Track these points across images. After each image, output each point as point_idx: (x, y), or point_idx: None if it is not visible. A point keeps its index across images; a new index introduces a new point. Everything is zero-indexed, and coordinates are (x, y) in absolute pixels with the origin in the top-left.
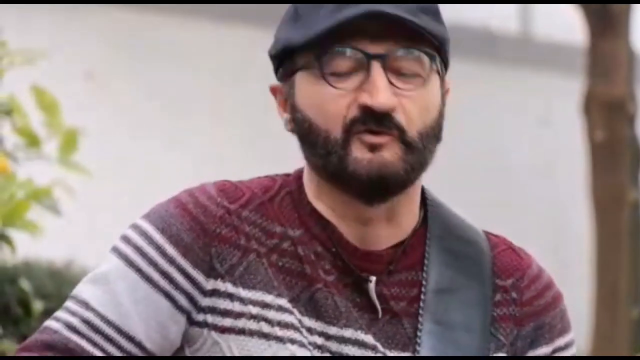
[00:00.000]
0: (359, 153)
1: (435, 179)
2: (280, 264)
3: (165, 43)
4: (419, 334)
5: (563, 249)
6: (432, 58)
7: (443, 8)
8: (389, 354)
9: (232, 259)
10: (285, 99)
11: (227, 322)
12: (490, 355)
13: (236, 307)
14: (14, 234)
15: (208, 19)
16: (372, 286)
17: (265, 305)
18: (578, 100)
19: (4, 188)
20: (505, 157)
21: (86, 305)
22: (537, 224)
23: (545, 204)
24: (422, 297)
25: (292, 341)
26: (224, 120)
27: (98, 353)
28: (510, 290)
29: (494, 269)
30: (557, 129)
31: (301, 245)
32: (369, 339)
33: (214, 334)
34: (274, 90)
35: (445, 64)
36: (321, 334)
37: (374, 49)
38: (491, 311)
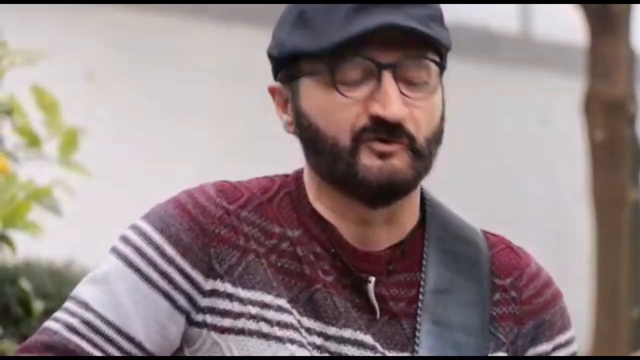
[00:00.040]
0: (368, 160)
1: (435, 179)
2: (279, 264)
3: (165, 43)
4: (417, 334)
5: (563, 249)
6: (441, 67)
7: (443, 8)
8: (388, 354)
9: (231, 259)
10: (285, 100)
11: (227, 322)
12: (490, 354)
13: (235, 307)
14: (15, 234)
15: (208, 19)
16: (371, 287)
17: (264, 306)
18: (578, 100)
19: (5, 189)
20: (505, 157)
21: (86, 305)
22: (537, 224)
23: (545, 204)
24: (420, 297)
25: (292, 341)
26: (224, 120)
27: (98, 354)
28: (509, 289)
29: (492, 269)
30: (557, 128)
31: (300, 246)
32: (368, 339)
33: (213, 334)
34: (272, 91)
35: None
36: (320, 334)
37: (385, 57)
38: (490, 310)
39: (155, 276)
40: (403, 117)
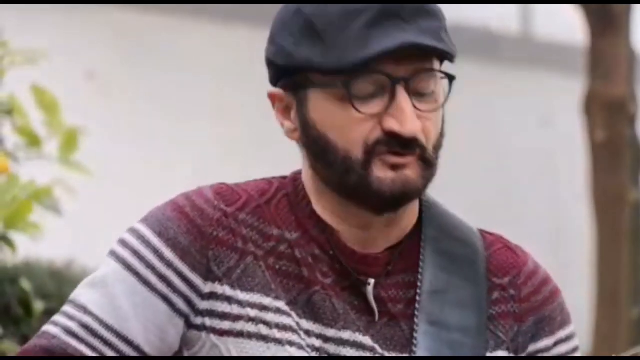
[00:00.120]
0: (381, 173)
1: (435, 179)
2: (277, 266)
3: (165, 43)
4: (415, 334)
5: (563, 249)
6: (451, 79)
7: (443, 8)
8: (387, 355)
9: (230, 261)
10: (286, 107)
11: (226, 324)
12: (490, 352)
13: (234, 309)
14: (16, 235)
15: (208, 19)
16: (370, 289)
17: (263, 308)
18: (578, 100)
19: (6, 190)
20: (506, 157)
21: (84, 309)
22: (537, 224)
23: (545, 204)
24: (417, 298)
25: (291, 343)
26: (224, 120)
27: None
28: (507, 288)
29: (490, 268)
30: (558, 129)
31: (298, 248)
32: (367, 340)
33: (212, 337)
34: (272, 97)
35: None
36: (319, 336)
37: (398, 71)
38: (490, 309)
39: (153, 279)
40: (418, 132)
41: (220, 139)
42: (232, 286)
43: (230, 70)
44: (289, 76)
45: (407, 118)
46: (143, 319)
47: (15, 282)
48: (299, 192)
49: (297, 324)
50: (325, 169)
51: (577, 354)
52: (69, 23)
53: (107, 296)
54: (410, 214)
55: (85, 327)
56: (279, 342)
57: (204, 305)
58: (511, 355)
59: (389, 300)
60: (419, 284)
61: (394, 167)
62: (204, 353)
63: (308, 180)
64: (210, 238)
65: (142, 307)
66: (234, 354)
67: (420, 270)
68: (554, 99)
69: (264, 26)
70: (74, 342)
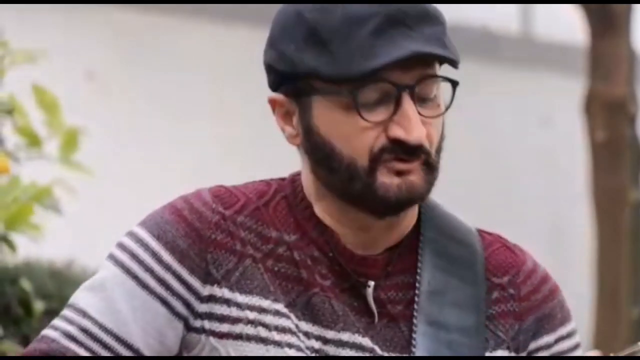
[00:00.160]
0: (386, 179)
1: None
2: (276, 269)
3: (165, 43)
4: (413, 335)
5: (563, 249)
6: (453, 84)
7: (443, 8)
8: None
9: (228, 264)
10: (287, 112)
11: (225, 327)
12: (490, 352)
13: (233, 312)
14: (16, 236)
15: (208, 19)
16: (370, 291)
17: (262, 310)
18: (579, 100)
19: (7, 192)
20: (506, 157)
21: (84, 313)
22: (537, 224)
23: (545, 204)
24: (415, 299)
25: (290, 345)
26: (224, 120)
27: None
28: (507, 288)
29: (488, 268)
30: (558, 129)
31: (297, 250)
32: (366, 342)
33: (212, 340)
34: (273, 103)
35: None
36: (318, 338)
37: (404, 78)
38: (489, 309)
39: (152, 283)
40: (424, 138)
41: (220, 139)
42: (231, 289)
43: (230, 70)
44: (291, 82)
45: (413, 126)
46: (142, 322)
47: (16, 282)
48: (297, 194)
49: (296, 326)
50: (328, 174)
51: (579, 350)
52: (69, 23)
53: (106, 300)
54: (410, 216)
55: (85, 330)
56: (278, 344)
57: (203, 308)
58: (512, 354)
59: (388, 302)
60: (417, 284)
61: (399, 173)
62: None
63: (308, 183)
64: (208, 241)
65: (141, 311)
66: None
67: (418, 270)
68: (554, 99)
69: (264, 26)
70: (73, 346)
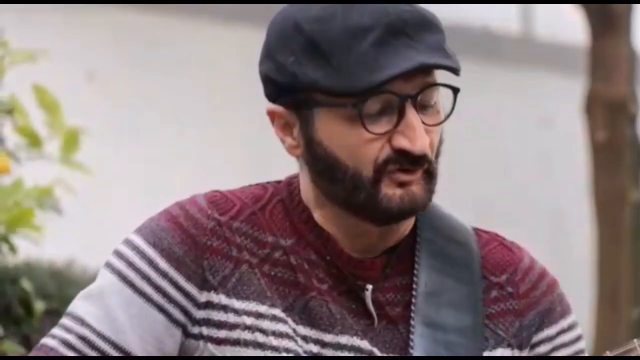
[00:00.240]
0: (389, 190)
1: None
2: (272, 273)
3: (165, 43)
4: (411, 336)
5: (563, 249)
6: (455, 91)
7: (443, 8)
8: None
9: (225, 270)
10: (286, 123)
11: (222, 333)
12: (490, 350)
13: (230, 318)
14: (17, 238)
15: (208, 19)
16: (368, 294)
17: (259, 316)
18: (579, 100)
19: (9, 194)
20: (506, 157)
21: (82, 321)
22: (537, 224)
23: (546, 204)
24: (413, 301)
25: (288, 350)
26: (224, 120)
27: None
28: (505, 286)
29: (486, 267)
30: (558, 129)
31: (294, 254)
32: (365, 344)
33: (210, 346)
34: (272, 114)
35: None
36: (316, 341)
37: (406, 88)
38: (488, 309)
39: (149, 290)
40: (427, 148)
41: (220, 139)
42: (228, 295)
43: (230, 71)
44: (291, 94)
45: (417, 135)
46: (139, 330)
47: (16, 282)
48: (294, 197)
49: (294, 330)
50: (329, 185)
51: (582, 342)
52: (69, 23)
53: (104, 308)
54: (408, 219)
55: (83, 339)
56: (275, 349)
57: (200, 314)
58: (514, 351)
59: (386, 304)
60: (414, 286)
61: (401, 184)
62: None
63: (307, 191)
64: (204, 247)
65: (139, 318)
66: None
67: (415, 272)
68: (554, 99)
69: (264, 26)
70: (71, 355)
